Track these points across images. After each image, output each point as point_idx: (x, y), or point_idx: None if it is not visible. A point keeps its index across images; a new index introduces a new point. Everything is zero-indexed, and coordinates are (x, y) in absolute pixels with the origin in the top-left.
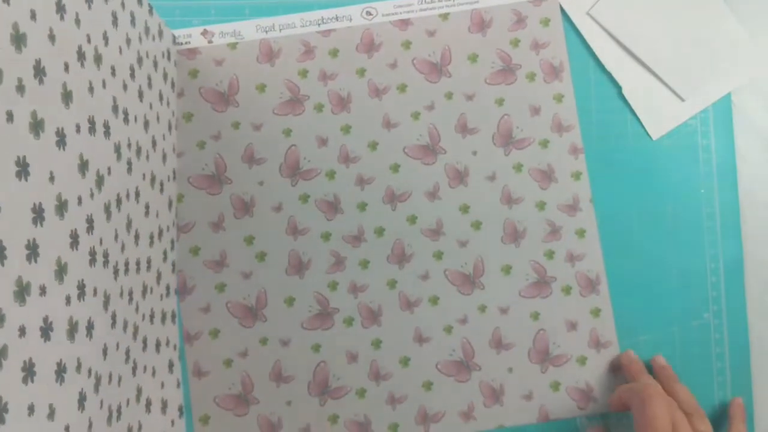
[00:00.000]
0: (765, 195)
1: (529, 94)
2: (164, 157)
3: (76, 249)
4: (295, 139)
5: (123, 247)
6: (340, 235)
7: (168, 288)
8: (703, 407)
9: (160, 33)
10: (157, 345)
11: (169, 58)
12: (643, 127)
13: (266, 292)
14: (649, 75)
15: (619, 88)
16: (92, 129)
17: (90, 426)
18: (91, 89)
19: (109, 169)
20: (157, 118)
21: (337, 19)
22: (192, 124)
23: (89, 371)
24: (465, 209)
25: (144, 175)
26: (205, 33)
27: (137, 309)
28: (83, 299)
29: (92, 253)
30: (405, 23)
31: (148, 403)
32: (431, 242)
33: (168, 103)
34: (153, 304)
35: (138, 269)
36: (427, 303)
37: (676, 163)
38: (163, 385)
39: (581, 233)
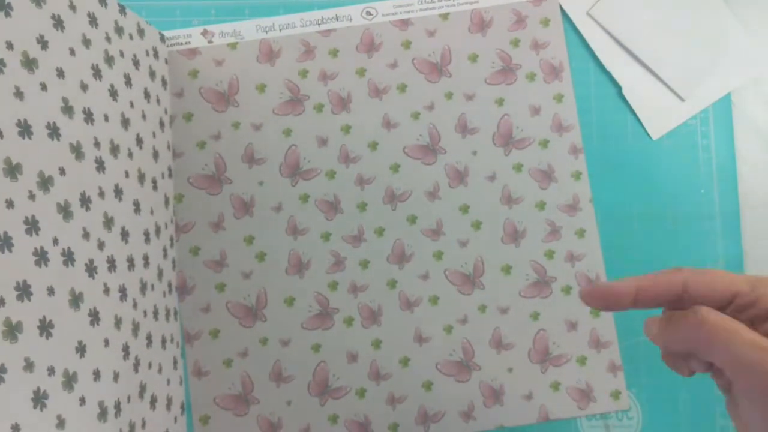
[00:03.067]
0: (765, 195)
1: (529, 94)
2: (155, 154)
3: (9, 251)
4: (295, 139)
5: (101, 245)
6: (340, 235)
7: (170, 285)
8: (702, 407)
9: (141, 31)
10: (163, 341)
11: (156, 56)
12: (643, 127)
13: (266, 292)
14: (649, 75)
15: (619, 88)
16: (24, 132)
17: (61, 423)
18: (18, 94)
19: (61, 169)
20: (143, 116)
21: (337, 19)
22: (192, 124)
23: (50, 369)
24: (465, 209)
25: (127, 172)
26: (205, 33)
27: (135, 305)
28: (27, 299)
29: (39, 254)
30: (405, 23)
31: (153, 400)
32: (431, 242)
33: (158, 101)
34: (156, 300)
35: (131, 266)
36: (427, 303)
37: (676, 163)
38: (169, 381)
39: (581, 233)
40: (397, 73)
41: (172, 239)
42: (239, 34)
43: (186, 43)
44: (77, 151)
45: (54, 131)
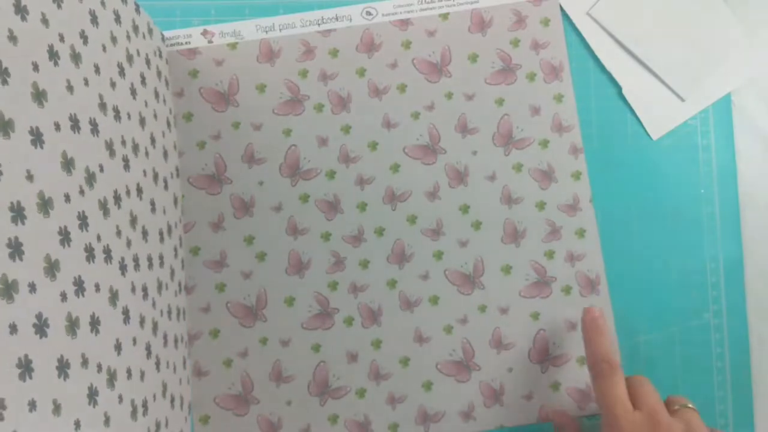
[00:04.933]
0: (765, 195)
1: (529, 94)
2: (165, 154)
3: (68, 245)
4: (295, 139)
5: (129, 243)
6: (340, 235)
7: (180, 284)
8: (702, 407)
9: (150, 31)
10: (176, 341)
11: (161, 56)
12: (643, 127)
13: (266, 292)
14: (649, 75)
15: (619, 88)
16: (76, 127)
17: (107, 420)
18: (70, 87)
19: (100, 165)
20: (155, 116)
21: (337, 19)
22: (192, 124)
23: (99, 366)
24: (465, 209)
25: (145, 171)
26: (205, 33)
27: (154, 305)
28: (82, 295)
29: (89, 250)
30: (405, 23)
31: (172, 399)
32: (431, 242)
33: (164, 101)
34: (169, 300)
35: (150, 265)
36: (427, 303)
37: (676, 163)
38: (180, 381)
39: (581, 233)
40: (397, 73)
41: (180, 239)
42: (239, 34)
43: (186, 43)
44: (110, 148)
45: (95, 127)
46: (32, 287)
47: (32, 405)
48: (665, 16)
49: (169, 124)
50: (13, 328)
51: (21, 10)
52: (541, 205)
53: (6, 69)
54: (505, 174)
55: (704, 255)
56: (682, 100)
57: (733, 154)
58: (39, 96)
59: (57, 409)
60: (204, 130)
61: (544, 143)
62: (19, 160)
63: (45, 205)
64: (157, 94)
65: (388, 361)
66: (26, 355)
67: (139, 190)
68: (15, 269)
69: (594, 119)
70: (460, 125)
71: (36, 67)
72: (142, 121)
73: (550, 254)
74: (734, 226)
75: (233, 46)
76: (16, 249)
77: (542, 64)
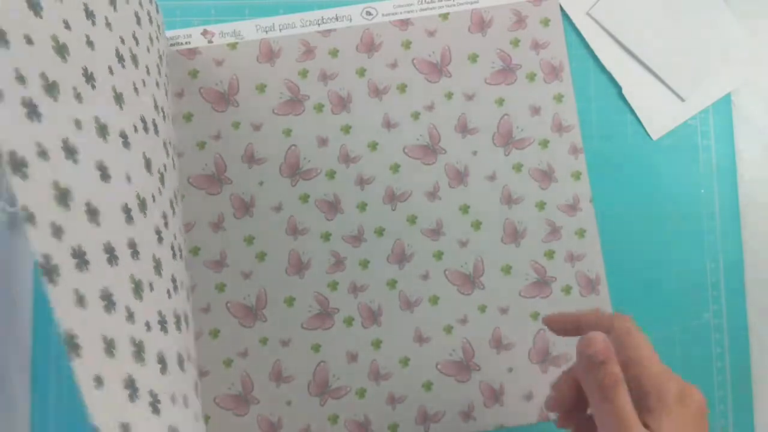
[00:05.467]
0: (765, 195)
1: (529, 94)
2: (173, 159)
3: (161, 244)
4: (295, 139)
5: (183, 242)
6: (340, 235)
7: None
8: None
9: (163, 32)
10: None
11: (166, 57)
12: (643, 127)
13: (266, 292)
14: (649, 75)
15: (619, 88)
16: (146, 128)
17: (196, 416)
18: (135, 89)
19: (164, 165)
20: (164, 118)
21: (337, 19)
22: (192, 124)
23: (189, 358)
24: (465, 209)
25: (161, 176)
26: (205, 33)
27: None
28: (177, 292)
29: (172, 248)
30: (405, 23)
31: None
32: (431, 242)
33: (171, 103)
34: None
35: (186, 264)
36: (427, 303)
37: (676, 163)
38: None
39: (581, 233)
40: (397, 73)
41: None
42: (239, 34)
43: (186, 43)
44: (165, 149)
45: (155, 128)
46: (150, 285)
47: (173, 399)
48: (665, 16)
49: (173, 125)
50: (148, 326)
51: (90, 15)
52: (541, 205)
53: (92, 74)
54: (505, 174)
55: (704, 255)
56: (682, 100)
57: (733, 154)
58: (118, 99)
59: (185, 401)
60: (204, 130)
61: (544, 143)
62: (119, 163)
63: (142, 205)
64: (167, 95)
65: (388, 361)
66: (161, 351)
67: (161, 192)
68: (137, 269)
69: (594, 119)
70: (460, 125)
71: (111, 71)
72: (174, 122)
73: (550, 254)
74: (734, 226)
75: (233, 46)
76: (134, 249)
77: (542, 64)
